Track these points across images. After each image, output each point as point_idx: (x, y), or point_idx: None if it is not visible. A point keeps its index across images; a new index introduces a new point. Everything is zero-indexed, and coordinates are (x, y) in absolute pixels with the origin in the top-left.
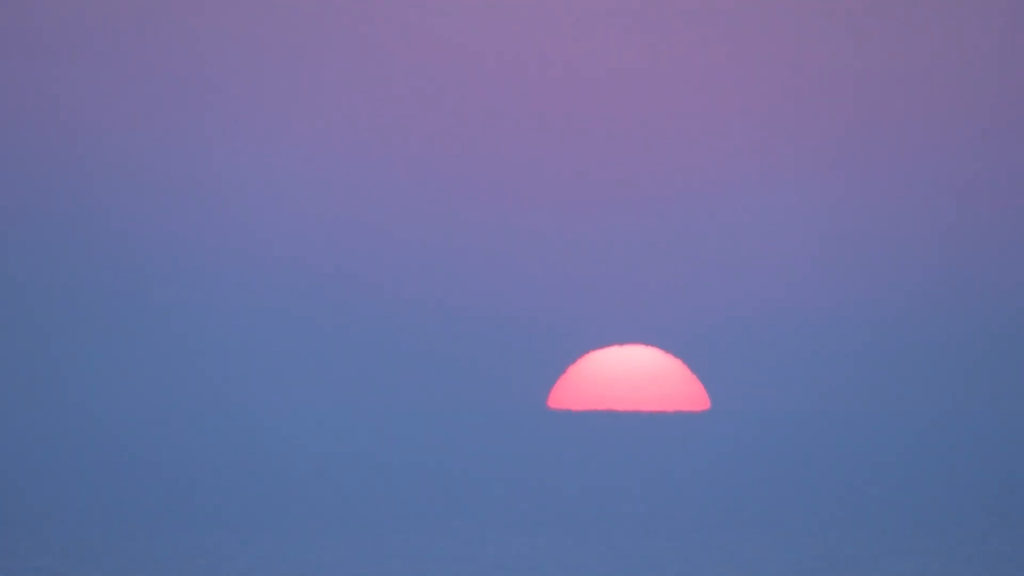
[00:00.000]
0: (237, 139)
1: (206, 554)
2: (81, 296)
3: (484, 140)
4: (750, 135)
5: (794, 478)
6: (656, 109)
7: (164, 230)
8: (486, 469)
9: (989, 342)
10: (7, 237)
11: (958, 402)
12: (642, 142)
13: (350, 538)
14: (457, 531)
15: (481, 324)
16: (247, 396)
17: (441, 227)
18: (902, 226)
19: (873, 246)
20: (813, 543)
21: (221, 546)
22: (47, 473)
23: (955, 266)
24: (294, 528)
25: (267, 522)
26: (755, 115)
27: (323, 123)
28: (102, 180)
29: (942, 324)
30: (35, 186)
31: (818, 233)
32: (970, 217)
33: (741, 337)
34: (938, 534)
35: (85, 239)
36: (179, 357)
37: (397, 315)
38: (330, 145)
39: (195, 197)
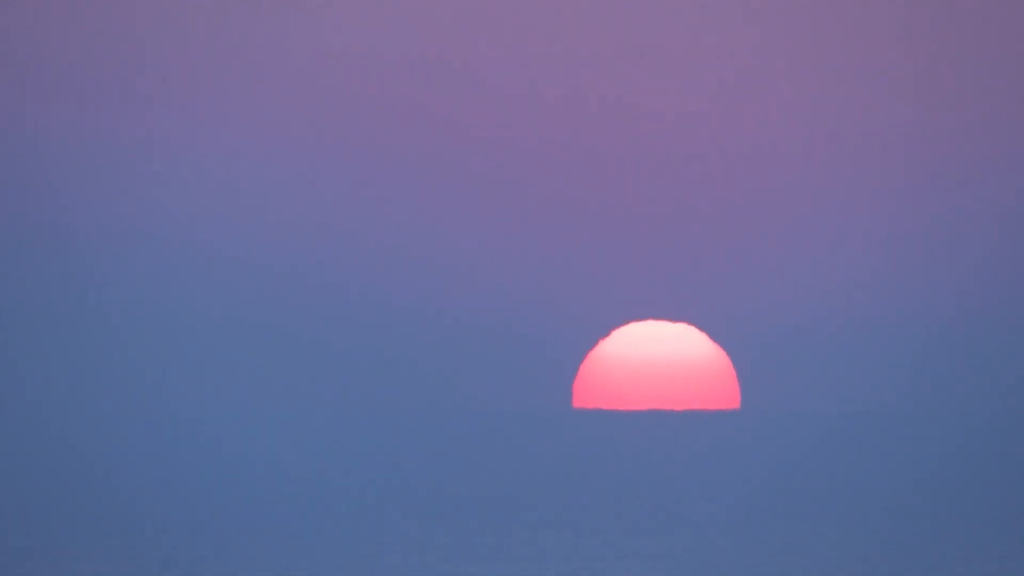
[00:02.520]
0: (231, 138)
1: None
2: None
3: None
4: (813, 139)
5: (836, 483)
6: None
7: (167, 232)
8: (536, 478)
9: None
10: None
11: (1011, 407)
12: (711, 153)
13: (374, 538)
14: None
15: (495, 319)
16: (265, 400)
17: (449, 228)
18: (958, 233)
19: (932, 251)
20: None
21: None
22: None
23: (1006, 273)
24: (317, 529)
25: (299, 522)
26: (815, 117)
27: (332, 124)
28: (58, 178)
29: (994, 330)
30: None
31: (877, 237)
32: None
33: (783, 332)
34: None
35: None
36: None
37: (399, 319)
38: (343, 145)
39: (198, 197)
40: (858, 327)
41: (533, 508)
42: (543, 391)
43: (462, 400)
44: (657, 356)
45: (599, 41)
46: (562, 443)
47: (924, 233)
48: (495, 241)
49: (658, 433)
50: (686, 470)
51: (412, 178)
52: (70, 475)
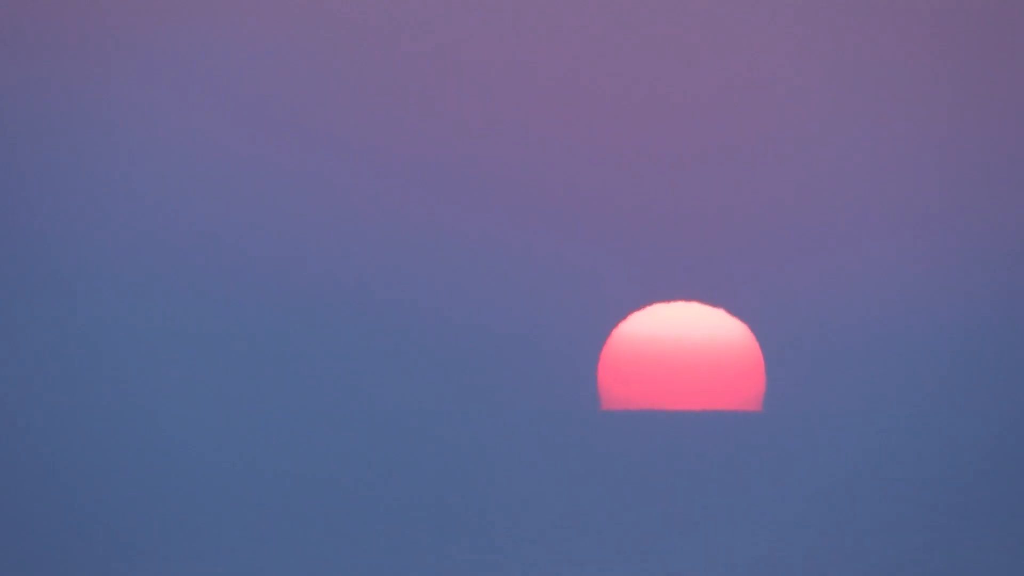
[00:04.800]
0: (242, 139)
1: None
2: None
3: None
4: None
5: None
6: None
7: (168, 232)
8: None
9: None
10: None
11: None
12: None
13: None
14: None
15: (511, 309)
16: (287, 405)
17: (448, 226)
18: (1011, 236)
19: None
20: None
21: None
22: None
23: None
24: (335, 532)
25: (318, 526)
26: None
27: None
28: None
29: None
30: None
31: (927, 241)
32: None
33: (817, 325)
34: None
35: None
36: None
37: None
38: (359, 146)
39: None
40: (900, 332)
41: (558, 513)
42: (566, 383)
43: (481, 403)
44: (688, 344)
45: (621, 24)
46: (588, 447)
47: (974, 236)
48: (501, 234)
49: (686, 436)
50: (707, 475)
51: (422, 179)
52: (67, 477)
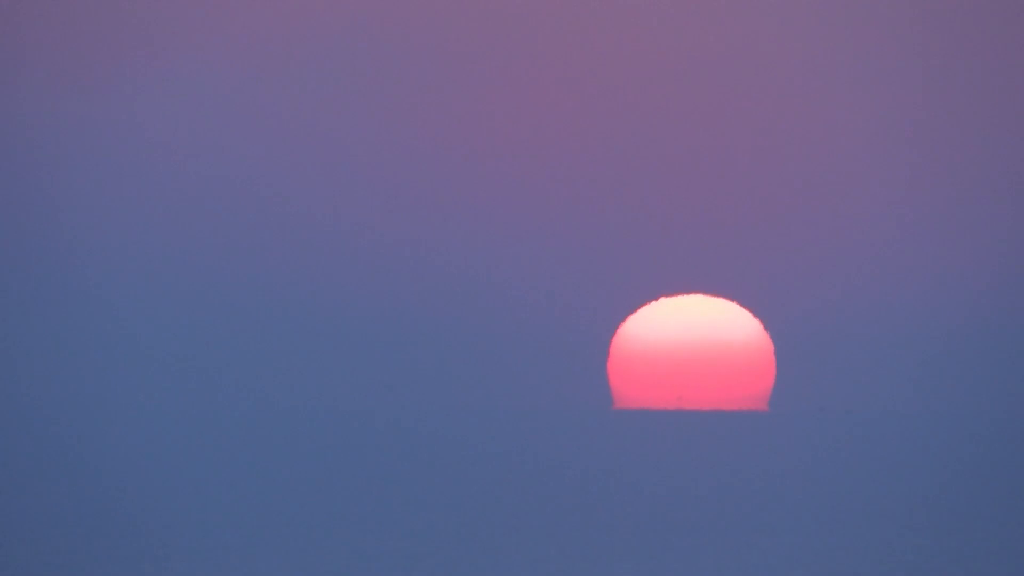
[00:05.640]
0: (251, 136)
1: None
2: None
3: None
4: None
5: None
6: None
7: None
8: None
9: None
10: None
11: None
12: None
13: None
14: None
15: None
16: (298, 406)
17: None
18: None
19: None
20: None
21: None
22: None
23: None
24: (345, 531)
25: (328, 524)
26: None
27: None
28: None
29: None
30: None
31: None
32: None
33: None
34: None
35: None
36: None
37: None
38: (367, 141)
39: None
40: (911, 332)
41: (570, 513)
42: (575, 381)
43: (489, 402)
44: (700, 343)
45: (625, 16)
46: (600, 445)
47: (990, 235)
48: (502, 235)
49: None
50: (713, 474)
51: (424, 178)
52: (67, 477)
